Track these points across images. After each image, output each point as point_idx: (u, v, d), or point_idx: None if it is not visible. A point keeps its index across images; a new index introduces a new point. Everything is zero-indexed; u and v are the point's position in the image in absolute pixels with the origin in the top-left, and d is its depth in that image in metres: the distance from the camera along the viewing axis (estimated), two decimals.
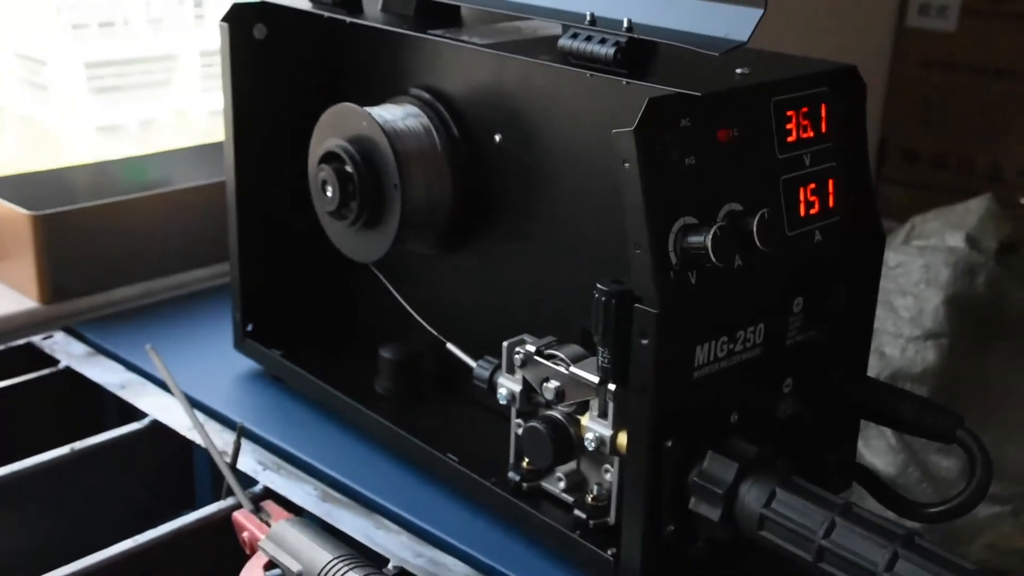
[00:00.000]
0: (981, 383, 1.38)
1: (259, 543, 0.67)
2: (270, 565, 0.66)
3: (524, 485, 0.71)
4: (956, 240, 1.43)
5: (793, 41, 0.73)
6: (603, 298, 0.60)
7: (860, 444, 0.76)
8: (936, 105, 2.07)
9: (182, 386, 0.82)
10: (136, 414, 0.85)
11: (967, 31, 2.03)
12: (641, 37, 0.64)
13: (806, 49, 0.72)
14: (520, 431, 0.70)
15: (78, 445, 0.81)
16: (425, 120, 0.76)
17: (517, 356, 0.69)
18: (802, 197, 0.66)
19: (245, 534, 0.70)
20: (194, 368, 0.89)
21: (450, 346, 0.78)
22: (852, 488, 0.74)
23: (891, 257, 1.44)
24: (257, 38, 0.84)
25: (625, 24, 0.64)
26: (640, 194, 0.58)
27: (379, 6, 0.82)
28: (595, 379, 0.64)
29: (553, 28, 0.72)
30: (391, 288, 0.83)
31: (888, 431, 1.33)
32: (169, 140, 1.13)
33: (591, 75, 0.65)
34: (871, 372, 0.74)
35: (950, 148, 2.07)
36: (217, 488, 0.78)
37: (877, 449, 1.33)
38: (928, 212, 1.53)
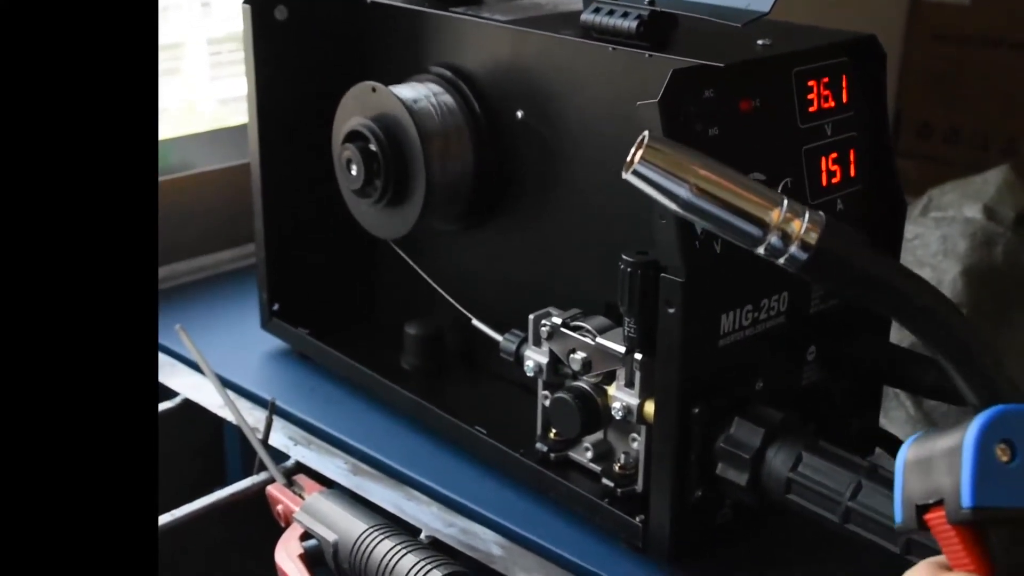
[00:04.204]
0: (999, 353, 1.38)
1: (294, 515, 0.69)
2: (306, 536, 0.68)
3: (552, 455, 0.72)
4: (973, 211, 1.43)
5: (807, 13, 0.73)
6: (629, 269, 0.61)
7: (880, 415, 0.77)
8: (950, 79, 2.06)
9: (211, 366, 0.83)
10: (167, 393, 0.87)
11: (982, 4, 2.02)
12: (663, 10, 0.64)
13: (820, 21, 0.73)
14: (547, 402, 0.71)
15: None
16: (447, 98, 0.77)
17: (543, 328, 0.70)
18: (824, 166, 0.67)
19: (279, 507, 0.71)
20: (223, 348, 0.90)
21: (475, 322, 0.79)
22: (875, 455, 0.75)
23: (908, 229, 1.44)
24: (279, 19, 0.85)
25: None
26: None
27: None
28: (621, 349, 0.65)
29: (574, 3, 0.73)
30: (414, 265, 0.84)
31: (908, 402, 1.33)
32: (176, 129, 1.13)
33: (614, 49, 0.65)
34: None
35: (965, 122, 2.07)
36: (248, 466, 0.79)
37: (897, 420, 1.33)
38: (945, 184, 1.52)
